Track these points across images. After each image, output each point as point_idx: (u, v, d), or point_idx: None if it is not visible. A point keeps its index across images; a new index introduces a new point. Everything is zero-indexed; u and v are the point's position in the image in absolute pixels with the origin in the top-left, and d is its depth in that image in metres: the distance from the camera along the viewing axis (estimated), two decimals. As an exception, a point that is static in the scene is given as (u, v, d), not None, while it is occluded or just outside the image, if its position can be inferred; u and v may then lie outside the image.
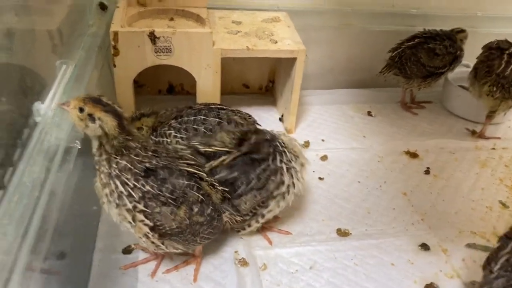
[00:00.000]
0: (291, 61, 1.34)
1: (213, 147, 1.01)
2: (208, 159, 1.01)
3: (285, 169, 0.97)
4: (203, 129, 1.20)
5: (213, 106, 1.26)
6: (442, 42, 1.49)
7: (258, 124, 1.32)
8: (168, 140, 1.20)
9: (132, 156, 0.82)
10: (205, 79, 1.32)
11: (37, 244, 0.66)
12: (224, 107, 1.28)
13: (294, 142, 1.02)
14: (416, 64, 1.49)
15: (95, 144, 0.82)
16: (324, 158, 1.34)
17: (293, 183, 0.99)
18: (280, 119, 1.52)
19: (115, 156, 0.81)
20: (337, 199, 1.20)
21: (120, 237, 1.03)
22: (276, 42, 1.33)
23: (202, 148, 1.01)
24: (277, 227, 1.09)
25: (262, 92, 1.68)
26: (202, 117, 1.22)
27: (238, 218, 0.98)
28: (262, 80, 1.66)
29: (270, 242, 1.05)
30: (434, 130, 1.53)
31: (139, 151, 0.82)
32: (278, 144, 0.98)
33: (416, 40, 1.52)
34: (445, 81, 1.62)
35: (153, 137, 1.21)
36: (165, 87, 1.60)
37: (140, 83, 1.55)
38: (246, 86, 1.66)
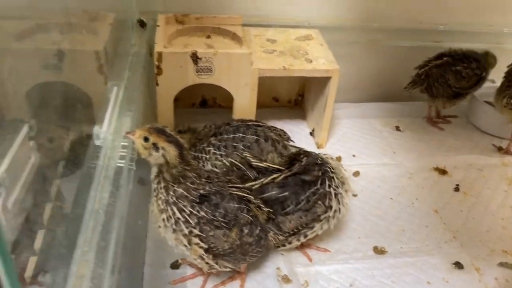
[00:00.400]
0: (325, 79, 1.39)
1: (264, 163, 1.06)
2: (258, 173, 1.06)
3: (333, 194, 1.01)
4: (241, 146, 1.25)
5: (250, 123, 1.31)
6: (469, 64, 1.53)
7: (292, 141, 1.37)
8: (207, 156, 1.25)
9: (188, 184, 0.87)
10: (242, 97, 1.36)
11: (113, 267, 0.71)
12: (261, 123, 1.33)
13: (340, 168, 1.06)
14: (443, 85, 1.53)
15: (154, 171, 0.87)
16: (356, 174, 1.38)
17: (339, 209, 1.03)
18: (311, 134, 1.56)
19: (172, 184, 0.86)
20: (371, 216, 1.24)
21: (168, 252, 1.08)
22: (311, 61, 1.38)
23: (254, 162, 1.07)
24: (315, 245, 1.14)
25: (291, 106, 1.72)
26: (241, 134, 1.26)
27: (280, 237, 1.03)
28: (292, 94, 1.70)
29: (310, 259, 1.10)
30: (461, 145, 1.57)
31: (195, 179, 0.87)
32: (328, 169, 1.02)
33: (444, 58, 1.55)
34: (471, 97, 1.66)
35: (192, 152, 1.26)
36: (198, 100, 1.65)
37: (175, 97, 1.59)
38: (276, 99, 1.70)
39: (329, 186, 1.02)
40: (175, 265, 1.07)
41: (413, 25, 1.67)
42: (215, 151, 1.24)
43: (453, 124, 1.69)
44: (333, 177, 1.03)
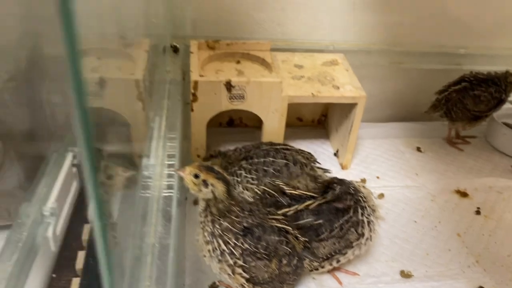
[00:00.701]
0: (351, 105, 1.44)
1: (298, 190, 1.12)
2: (290, 199, 1.11)
3: (366, 223, 1.07)
4: (272, 170, 1.31)
5: (279, 147, 1.37)
6: (488, 88, 1.57)
7: (318, 163, 1.43)
8: (239, 179, 1.31)
9: (233, 217, 0.93)
10: (272, 121, 1.42)
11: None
12: (289, 147, 1.39)
13: (371, 196, 1.12)
14: (462, 110, 1.58)
15: (202, 205, 0.93)
16: (381, 196, 1.44)
17: (371, 236, 1.09)
18: (335, 154, 1.61)
19: (218, 217, 0.92)
20: (397, 240, 1.29)
21: (206, 273, 1.14)
22: (338, 88, 1.43)
23: (287, 190, 1.12)
24: (344, 268, 1.19)
25: (314, 125, 1.78)
26: (271, 159, 1.33)
27: (315, 263, 1.09)
28: (315, 114, 1.75)
29: (341, 283, 1.15)
30: (480, 167, 1.62)
31: (239, 213, 0.93)
32: (360, 199, 1.08)
33: (463, 83, 1.60)
34: (490, 119, 1.70)
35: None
36: (225, 120, 1.71)
37: (204, 118, 1.66)
38: (300, 119, 1.76)
39: (362, 215, 1.07)
40: (213, 287, 1.13)
41: (434, 49, 1.72)
42: (246, 175, 1.30)
43: (472, 145, 1.73)
44: (365, 206, 1.08)
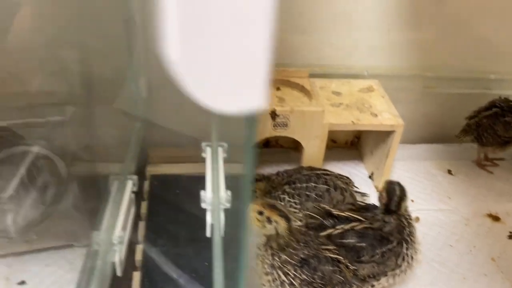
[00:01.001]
0: (388, 131, 1.50)
1: (346, 213, 1.17)
2: (334, 221, 1.17)
3: (410, 257, 1.13)
4: (314, 195, 1.37)
5: (319, 172, 1.43)
6: None
7: (356, 187, 1.49)
8: (282, 203, 1.37)
9: (291, 250, 0.99)
10: (312, 147, 1.48)
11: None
12: (328, 172, 1.46)
13: (418, 237, 1.18)
14: (493, 136, 1.64)
15: (262, 240, 1.00)
16: (417, 219, 1.49)
17: (406, 269, 1.15)
18: (370, 177, 1.67)
19: (277, 251, 0.99)
20: (434, 263, 1.35)
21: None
22: (376, 115, 1.49)
23: (335, 212, 1.18)
24: (386, 292, 1.25)
25: (348, 147, 1.84)
26: (313, 184, 1.39)
27: (360, 288, 1.16)
28: (348, 136, 1.82)
29: (382, 307, 1.22)
30: (510, 190, 1.67)
31: (295, 245, 1.00)
32: (409, 239, 1.14)
33: (494, 109, 1.65)
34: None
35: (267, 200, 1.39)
36: (262, 141, 1.78)
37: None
38: (334, 141, 1.82)
39: (407, 249, 1.13)
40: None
41: (465, 74, 1.77)
42: (289, 199, 1.37)
43: (501, 167, 1.78)
44: (411, 246, 1.14)
